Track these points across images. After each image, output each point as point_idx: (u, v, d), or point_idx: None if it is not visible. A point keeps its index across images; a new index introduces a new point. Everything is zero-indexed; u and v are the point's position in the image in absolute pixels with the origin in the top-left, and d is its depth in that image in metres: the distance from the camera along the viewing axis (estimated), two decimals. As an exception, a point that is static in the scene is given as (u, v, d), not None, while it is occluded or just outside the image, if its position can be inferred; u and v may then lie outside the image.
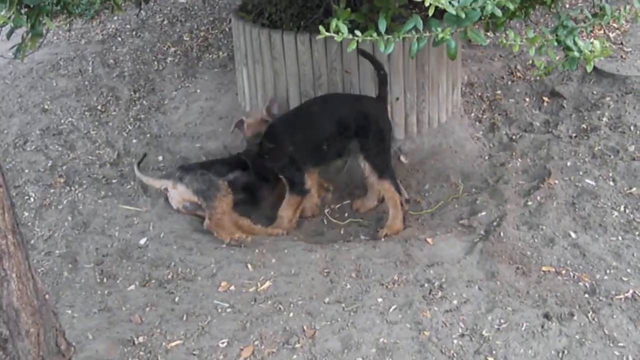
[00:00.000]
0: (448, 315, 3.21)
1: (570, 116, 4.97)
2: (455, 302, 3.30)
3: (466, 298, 3.32)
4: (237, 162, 4.39)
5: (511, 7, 2.73)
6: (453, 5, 2.68)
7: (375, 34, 2.89)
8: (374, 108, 4.11)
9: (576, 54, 2.97)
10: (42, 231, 4.09)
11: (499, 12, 2.74)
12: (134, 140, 4.98)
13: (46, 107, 5.38)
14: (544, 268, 3.54)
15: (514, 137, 4.86)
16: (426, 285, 3.41)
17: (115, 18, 6.69)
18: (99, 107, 5.37)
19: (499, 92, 5.38)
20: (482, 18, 2.97)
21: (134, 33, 6.42)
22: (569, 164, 4.39)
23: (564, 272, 3.52)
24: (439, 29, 2.81)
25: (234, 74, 5.40)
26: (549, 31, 3.08)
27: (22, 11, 2.62)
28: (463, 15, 2.67)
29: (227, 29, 6.34)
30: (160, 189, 4.26)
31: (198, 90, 5.42)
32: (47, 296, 2.25)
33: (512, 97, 5.31)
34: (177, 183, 4.19)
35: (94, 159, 4.79)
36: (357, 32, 2.87)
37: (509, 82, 5.51)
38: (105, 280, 3.62)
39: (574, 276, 3.48)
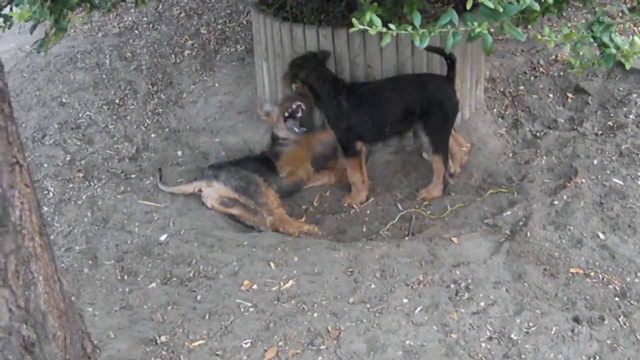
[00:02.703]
0: (475, 318, 3.15)
1: (595, 113, 4.87)
2: (482, 303, 3.23)
3: (493, 300, 3.25)
4: (265, 160, 4.35)
5: (550, 1, 2.64)
6: (490, -1, 2.59)
7: (410, 28, 2.80)
8: (440, 90, 4.19)
9: (613, 50, 2.88)
10: (62, 227, 4.05)
11: (536, 6, 2.66)
12: (153, 135, 4.94)
13: (64, 100, 5.34)
14: (572, 270, 3.47)
15: (538, 134, 4.76)
16: (452, 286, 3.35)
17: (132, 11, 6.63)
18: (117, 101, 5.32)
19: (521, 87, 5.29)
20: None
21: (150, 26, 6.37)
22: (595, 162, 4.30)
23: (592, 274, 3.44)
24: (475, 24, 2.72)
25: (252, 67, 5.34)
26: (584, 27, 2.99)
27: (46, 5, 2.58)
28: (501, 9, 2.58)
29: (244, 22, 6.27)
30: (194, 192, 4.22)
31: (216, 84, 5.36)
32: (73, 298, 2.20)
33: (535, 92, 5.21)
34: (212, 181, 4.16)
35: (112, 153, 4.75)
36: (392, 26, 2.79)
37: (532, 78, 5.40)
38: (126, 277, 3.59)
39: (603, 279, 3.41)
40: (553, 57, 5.56)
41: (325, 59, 4.29)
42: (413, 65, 4.33)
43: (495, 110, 5.08)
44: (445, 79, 4.20)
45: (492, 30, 2.76)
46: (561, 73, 5.39)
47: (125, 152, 4.76)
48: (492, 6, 2.57)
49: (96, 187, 4.39)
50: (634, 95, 4.86)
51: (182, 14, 6.52)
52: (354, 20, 2.75)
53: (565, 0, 2.96)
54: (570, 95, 5.12)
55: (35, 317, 2.00)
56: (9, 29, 3.17)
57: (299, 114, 4.38)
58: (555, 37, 2.90)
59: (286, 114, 4.42)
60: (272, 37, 4.55)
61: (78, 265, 3.69)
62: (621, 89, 4.97)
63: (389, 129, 4.27)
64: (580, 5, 3.47)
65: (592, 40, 2.96)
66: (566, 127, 4.80)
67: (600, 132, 4.64)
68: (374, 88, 4.26)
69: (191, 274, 3.55)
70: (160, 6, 6.64)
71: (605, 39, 2.90)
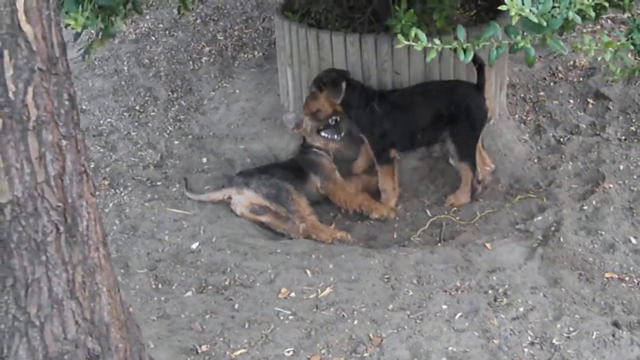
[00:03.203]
0: (515, 323, 3.15)
1: (617, 118, 4.89)
2: (521, 309, 3.24)
3: (532, 305, 3.26)
4: (294, 167, 4.34)
5: (592, 14, 2.66)
6: (534, 13, 2.61)
7: (454, 42, 2.82)
8: (469, 97, 4.19)
9: (654, 58, 2.89)
10: (91, 235, 4.03)
11: (578, 20, 2.68)
12: (176, 142, 4.93)
13: (84, 107, 5.32)
14: (607, 274, 3.48)
15: (561, 139, 4.78)
16: (490, 292, 3.35)
17: (148, 17, 6.62)
18: (138, 108, 5.31)
19: (541, 93, 5.31)
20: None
21: (167, 32, 6.36)
22: (621, 167, 4.31)
23: (627, 278, 3.45)
24: (519, 37, 2.74)
25: (272, 74, 5.34)
26: (623, 34, 3.01)
27: (96, 12, 2.58)
28: (544, 23, 2.60)
29: (261, 28, 6.27)
30: (223, 199, 4.21)
31: (237, 91, 5.35)
32: (131, 309, 2.19)
33: (555, 98, 5.23)
34: (243, 188, 4.15)
35: (136, 160, 4.74)
36: (436, 41, 2.81)
37: (552, 83, 5.43)
38: (160, 286, 3.57)
39: (638, 283, 3.42)
40: (571, 63, 5.60)
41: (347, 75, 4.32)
42: (440, 70, 4.34)
43: (517, 116, 5.10)
44: (474, 86, 4.20)
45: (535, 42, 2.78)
46: (580, 79, 5.42)
47: (149, 160, 4.75)
48: (536, 20, 2.58)
49: (123, 194, 4.38)
50: (656, 101, 4.89)
51: (198, 20, 6.52)
52: (399, 37, 2.76)
53: (604, 7, 2.97)
54: (590, 100, 5.15)
55: (100, 329, 1.99)
56: (74, 41, 3.14)
57: (334, 123, 4.39)
58: (595, 46, 2.91)
59: (321, 127, 4.42)
60: (297, 44, 4.55)
61: (111, 273, 3.67)
62: (642, 94, 5.00)
63: (420, 136, 4.27)
64: (624, 12, 3.48)
65: (632, 47, 2.97)
66: (589, 133, 4.82)
67: (623, 138, 4.66)
68: (405, 94, 4.27)
69: (227, 282, 3.54)
70: (176, 12, 6.62)
71: (646, 46, 2.92)
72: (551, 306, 3.25)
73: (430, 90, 4.25)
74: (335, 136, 4.42)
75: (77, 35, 2.83)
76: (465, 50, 2.82)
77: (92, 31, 3.00)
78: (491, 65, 3.05)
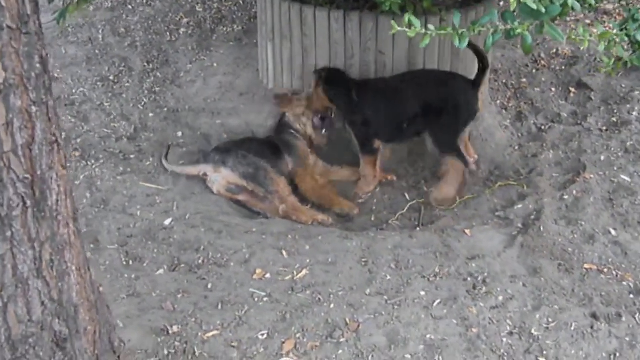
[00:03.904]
0: (495, 312, 3.10)
1: (599, 109, 4.87)
2: (500, 298, 3.19)
3: (511, 294, 3.21)
4: (271, 145, 4.23)
5: (592, 2, 2.59)
6: None
7: (449, 29, 2.73)
8: (461, 92, 4.02)
9: (648, 48, 2.84)
10: (59, 207, 3.88)
11: (578, 7, 2.60)
12: (151, 114, 4.77)
13: (56, 75, 5.12)
14: (586, 265, 3.45)
15: (542, 127, 4.75)
16: (469, 279, 3.30)
17: (125, -16, 6.39)
18: (112, 78, 5.14)
19: (524, 80, 5.26)
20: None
21: (144, 1, 6.14)
22: (602, 158, 4.28)
23: (606, 270, 3.43)
24: (516, 23, 2.66)
25: (250, 48, 5.20)
26: (617, 25, 2.94)
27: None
28: (543, 10, 2.51)
29: (241, 2, 6.09)
30: (199, 174, 4.08)
31: (215, 64, 5.20)
32: (101, 289, 2.07)
33: (537, 86, 5.19)
34: (220, 167, 4.03)
35: (109, 132, 4.58)
36: (431, 27, 2.71)
37: (534, 71, 5.38)
38: (131, 263, 3.45)
39: (617, 275, 3.40)
40: (554, 50, 5.56)
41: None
42: (424, 53, 4.24)
43: (498, 102, 5.05)
44: (470, 82, 4.07)
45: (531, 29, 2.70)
46: (563, 67, 5.39)
47: (122, 132, 4.59)
48: (534, 6, 2.50)
49: (94, 167, 4.22)
50: (637, 93, 4.87)
51: (177, -10, 6.32)
52: (392, 23, 2.66)
53: (601, -3, 2.89)
54: (572, 90, 5.12)
55: (68, 311, 1.88)
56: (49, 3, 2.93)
57: (327, 119, 4.30)
58: (590, 37, 2.85)
59: (319, 116, 4.33)
60: (279, 18, 4.41)
61: (80, 248, 3.53)
62: (623, 85, 4.98)
63: (406, 127, 4.11)
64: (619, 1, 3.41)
65: (626, 38, 2.91)
66: (570, 122, 4.79)
67: (605, 128, 4.64)
68: (391, 83, 4.15)
69: (200, 261, 3.43)
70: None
71: (640, 37, 2.86)
72: (530, 296, 3.21)
73: (419, 79, 4.12)
74: (323, 130, 4.31)
75: (51, -3, 2.65)
76: (460, 37, 2.73)
77: (67, -7, 2.84)
78: (487, 51, 2.96)
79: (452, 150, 4.07)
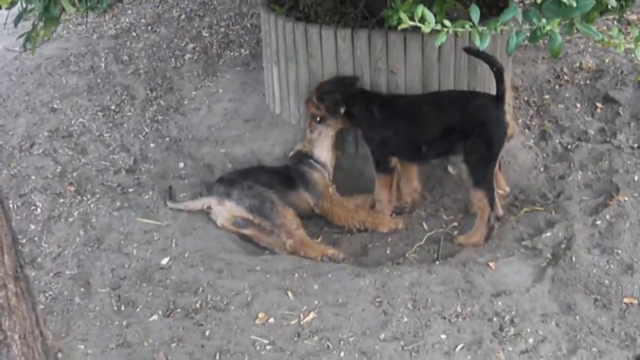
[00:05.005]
0: (525, 357, 2.79)
1: (628, 124, 4.53)
2: (531, 340, 2.87)
3: (543, 336, 2.89)
4: (284, 173, 3.96)
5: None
6: (561, -8, 2.22)
7: (467, 25, 2.43)
8: (485, 110, 3.63)
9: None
10: (51, 247, 3.64)
11: (613, 2, 2.29)
12: (152, 145, 4.54)
13: (55, 106, 4.94)
14: (625, 300, 3.12)
15: (569, 146, 4.41)
16: (495, 319, 2.98)
17: (130, 12, 6.25)
18: (113, 107, 4.93)
19: (546, 96, 4.95)
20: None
21: (149, 28, 5.98)
22: (636, 178, 3.95)
23: (649, 305, 3.08)
24: (543, 21, 2.34)
25: (258, 73, 4.98)
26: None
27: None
28: (574, 4, 2.20)
29: (248, 25, 5.91)
30: (202, 209, 3.83)
31: (220, 90, 4.98)
32: (59, 355, 1.78)
33: (561, 102, 4.87)
34: (224, 199, 3.77)
35: (107, 164, 4.35)
36: (447, 22, 2.41)
37: (557, 86, 5.06)
38: (123, 308, 3.18)
39: (661, 310, 3.04)
40: (577, 64, 5.25)
41: (354, 84, 3.94)
42: (439, 71, 3.96)
43: (520, 120, 4.73)
44: (492, 97, 3.67)
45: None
46: (587, 81, 5.06)
47: (121, 164, 4.35)
48: (564, 0, 2.19)
49: (89, 202, 3.98)
50: (670, 106, 4.53)
51: (183, 16, 6.15)
52: (402, 15, 2.37)
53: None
54: (599, 105, 4.79)
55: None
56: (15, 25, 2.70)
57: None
58: (624, 40, 2.54)
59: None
60: (284, 39, 4.17)
61: (68, 293, 3.27)
62: (654, 98, 4.64)
63: (426, 149, 3.79)
64: None
65: (663, 42, 2.60)
66: (598, 140, 4.46)
67: (636, 145, 4.30)
68: (412, 101, 3.86)
69: (198, 305, 3.15)
70: (160, 7, 6.25)
71: (679, 41, 2.54)
72: (565, 337, 2.89)
73: (440, 99, 3.81)
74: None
75: (18, 18, 2.41)
76: (481, 35, 2.42)
77: (37, 13, 2.61)
78: (510, 54, 2.65)
79: (486, 184, 3.63)
